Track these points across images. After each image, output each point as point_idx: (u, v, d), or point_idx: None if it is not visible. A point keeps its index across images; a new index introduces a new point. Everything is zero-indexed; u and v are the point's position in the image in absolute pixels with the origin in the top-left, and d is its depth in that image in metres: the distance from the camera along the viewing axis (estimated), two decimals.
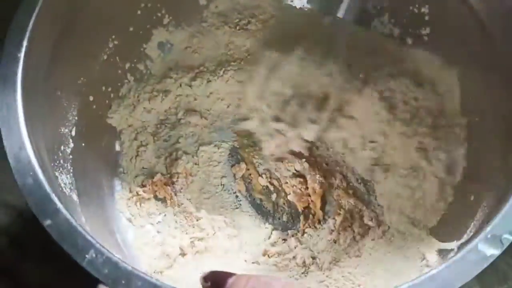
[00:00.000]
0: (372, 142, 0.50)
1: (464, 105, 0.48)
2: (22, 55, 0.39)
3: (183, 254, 0.48)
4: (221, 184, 0.54)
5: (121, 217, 0.50)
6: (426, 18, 0.49)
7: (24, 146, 0.36)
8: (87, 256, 0.32)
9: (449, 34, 0.47)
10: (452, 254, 0.39)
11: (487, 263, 0.33)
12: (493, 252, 0.33)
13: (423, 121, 0.49)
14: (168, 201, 0.52)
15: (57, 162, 0.43)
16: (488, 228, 0.33)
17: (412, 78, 0.50)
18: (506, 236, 0.33)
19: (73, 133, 0.47)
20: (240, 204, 0.53)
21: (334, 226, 0.49)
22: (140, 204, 0.51)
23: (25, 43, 0.39)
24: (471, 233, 0.39)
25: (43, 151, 0.39)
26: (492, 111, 0.43)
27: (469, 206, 0.42)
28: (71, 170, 0.45)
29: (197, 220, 0.50)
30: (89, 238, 0.33)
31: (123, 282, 0.32)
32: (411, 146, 0.49)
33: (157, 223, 0.51)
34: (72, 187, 0.44)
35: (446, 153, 0.47)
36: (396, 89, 0.50)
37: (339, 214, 0.50)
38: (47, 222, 0.33)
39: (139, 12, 0.51)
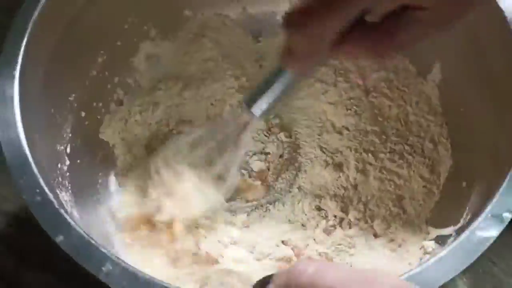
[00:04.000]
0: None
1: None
2: (17, 74, 0.39)
3: None
4: None
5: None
6: None
7: (29, 164, 0.35)
8: (103, 268, 0.32)
9: None
10: (451, 239, 0.41)
11: (489, 242, 0.34)
12: (493, 232, 0.34)
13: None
14: None
15: (57, 179, 0.43)
16: (488, 209, 0.35)
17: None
18: (506, 214, 0.35)
19: (68, 150, 0.46)
20: None
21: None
22: None
23: (19, 63, 0.39)
24: (468, 217, 0.41)
25: (45, 169, 0.39)
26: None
27: (462, 192, 0.44)
28: (69, 188, 0.44)
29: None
30: (104, 250, 0.33)
31: None
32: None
33: None
34: (72, 204, 0.43)
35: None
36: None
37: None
38: (59, 239, 0.33)
39: (126, 26, 0.51)
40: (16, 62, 0.39)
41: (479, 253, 0.33)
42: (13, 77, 0.39)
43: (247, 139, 0.43)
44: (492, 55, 0.43)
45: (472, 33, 0.44)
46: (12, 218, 0.52)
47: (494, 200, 0.35)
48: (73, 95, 0.48)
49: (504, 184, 0.36)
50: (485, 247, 0.34)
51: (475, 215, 0.36)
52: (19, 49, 0.39)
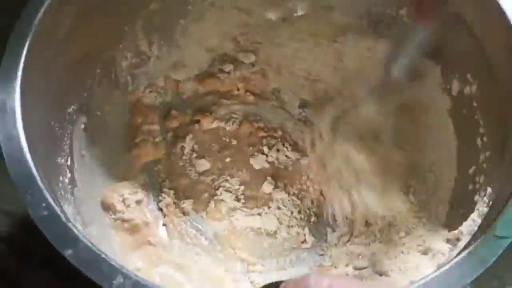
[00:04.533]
0: None
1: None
2: (18, 86, 0.38)
3: None
4: None
5: None
6: None
7: (34, 178, 0.35)
8: (114, 282, 0.32)
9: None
10: (462, 240, 0.41)
11: (506, 243, 0.34)
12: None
13: None
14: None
15: (60, 193, 0.42)
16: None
17: None
18: None
19: (69, 163, 0.46)
20: None
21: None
22: None
23: (19, 76, 0.39)
24: (479, 219, 0.41)
25: (50, 183, 0.38)
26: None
27: (470, 194, 0.44)
28: (72, 200, 0.44)
29: None
30: (114, 263, 0.33)
31: None
32: None
33: None
34: (76, 217, 0.43)
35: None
36: None
37: None
38: (68, 252, 0.33)
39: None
40: (16, 75, 0.38)
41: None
42: (14, 89, 0.38)
43: None
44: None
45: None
46: (13, 218, 0.53)
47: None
48: (72, 107, 0.47)
49: None
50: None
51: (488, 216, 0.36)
52: (19, 61, 0.39)
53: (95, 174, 0.50)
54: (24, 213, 0.50)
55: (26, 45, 0.40)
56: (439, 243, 0.42)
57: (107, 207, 0.48)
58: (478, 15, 0.43)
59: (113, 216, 0.48)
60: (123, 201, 0.49)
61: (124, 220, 0.48)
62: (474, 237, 0.37)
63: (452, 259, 0.34)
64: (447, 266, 0.33)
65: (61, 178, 0.44)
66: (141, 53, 0.54)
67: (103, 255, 0.33)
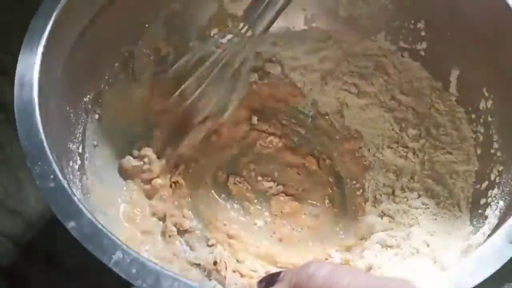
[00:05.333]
0: None
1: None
2: (38, 61, 0.39)
3: None
4: None
5: None
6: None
7: (45, 151, 0.35)
8: (113, 256, 0.32)
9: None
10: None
11: None
12: None
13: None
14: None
15: (68, 177, 0.42)
16: None
17: None
18: None
19: (80, 150, 0.46)
20: None
21: None
22: None
23: (39, 56, 0.39)
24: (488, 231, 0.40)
25: (59, 160, 0.38)
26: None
27: (483, 208, 0.44)
28: (80, 187, 0.44)
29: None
30: (115, 238, 0.32)
31: (151, 282, 0.31)
32: None
33: None
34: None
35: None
36: None
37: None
38: (71, 224, 0.33)
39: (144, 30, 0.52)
40: (37, 51, 0.39)
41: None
42: (34, 65, 0.39)
43: None
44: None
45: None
46: (19, 216, 0.52)
47: None
48: (88, 96, 0.48)
49: None
50: None
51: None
52: (42, 39, 0.40)
53: (105, 165, 0.50)
54: (29, 211, 0.52)
55: (50, 25, 0.40)
56: (451, 251, 0.42)
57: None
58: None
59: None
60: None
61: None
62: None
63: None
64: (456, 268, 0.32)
65: (71, 163, 0.44)
66: (159, 52, 0.54)
67: (104, 230, 0.33)
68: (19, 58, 0.38)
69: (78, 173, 0.45)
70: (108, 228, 0.46)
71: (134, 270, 0.31)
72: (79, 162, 0.46)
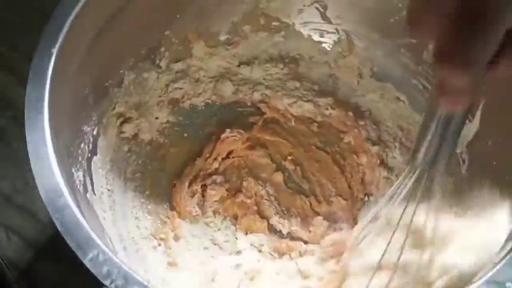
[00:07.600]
0: None
1: None
2: (55, 50, 0.39)
3: None
4: None
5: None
6: None
7: (44, 137, 0.36)
8: (89, 253, 0.33)
9: None
10: None
11: None
12: None
13: None
14: None
15: (75, 159, 0.44)
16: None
17: None
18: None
19: (95, 132, 0.48)
20: None
21: None
22: None
23: (60, 38, 0.39)
24: None
25: (63, 146, 0.40)
26: None
27: None
28: (85, 166, 0.46)
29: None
30: (93, 236, 0.33)
31: (119, 283, 0.32)
32: None
33: None
34: (86, 186, 0.44)
35: None
36: None
37: None
38: (56, 216, 0.34)
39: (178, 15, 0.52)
40: (57, 38, 0.40)
41: None
42: (56, 42, 0.39)
43: None
44: None
45: None
46: (25, 211, 0.54)
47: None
48: (110, 81, 0.49)
49: None
50: None
51: None
52: (64, 23, 0.40)
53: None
54: (37, 207, 0.54)
55: (75, 10, 0.40)
56: None
57: None
58: None
59: None
60: None
61: None
62: None
63: None
64: None
65: (82, 145, 0.46)
66: (186, 43, 0.54)
67: (85, 226, 0.34)
68: (35, 52, 0.39)
69: (89, 154, 0.47)
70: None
71: (105, 270, 0.32)
72: (91, 143, 0.47)
